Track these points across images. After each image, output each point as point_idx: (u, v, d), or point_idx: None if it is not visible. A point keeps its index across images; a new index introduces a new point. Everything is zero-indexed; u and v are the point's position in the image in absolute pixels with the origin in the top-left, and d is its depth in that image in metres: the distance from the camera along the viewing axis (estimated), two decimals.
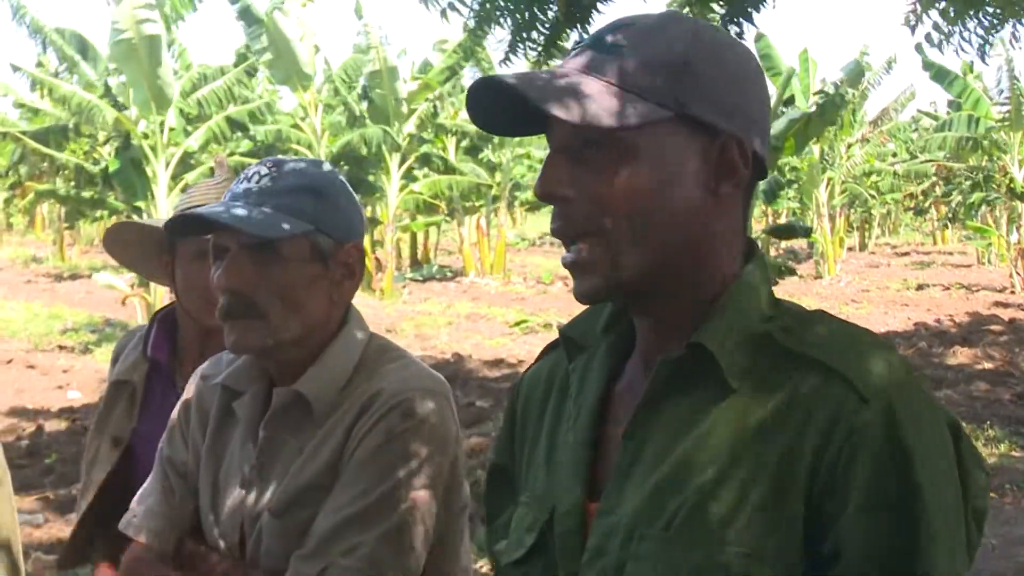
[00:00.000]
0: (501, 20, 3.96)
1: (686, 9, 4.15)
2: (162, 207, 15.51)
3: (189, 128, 16.29)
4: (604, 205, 1.14)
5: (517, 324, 15.61)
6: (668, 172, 1.14)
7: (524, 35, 3.98)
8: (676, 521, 1.10)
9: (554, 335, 1.38)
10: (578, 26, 4.05)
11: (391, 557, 1.62)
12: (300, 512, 1.66)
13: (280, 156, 1.80)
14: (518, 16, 3.95)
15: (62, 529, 6.43)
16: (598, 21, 4.10)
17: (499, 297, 19.79)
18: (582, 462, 1.23)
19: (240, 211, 1.65)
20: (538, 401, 1.36)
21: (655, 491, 1.13)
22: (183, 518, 1.82)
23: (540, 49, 4.05)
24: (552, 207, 1.18)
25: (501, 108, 1.20)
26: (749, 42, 4.16)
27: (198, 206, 2.36)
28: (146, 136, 15.63)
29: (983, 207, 21.90)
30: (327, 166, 1.79)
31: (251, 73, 16.96)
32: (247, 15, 16.47)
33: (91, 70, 16.42)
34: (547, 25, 4.02)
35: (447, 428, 1.71)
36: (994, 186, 20.46)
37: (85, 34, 16.63)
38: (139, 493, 1.90)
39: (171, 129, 15.77)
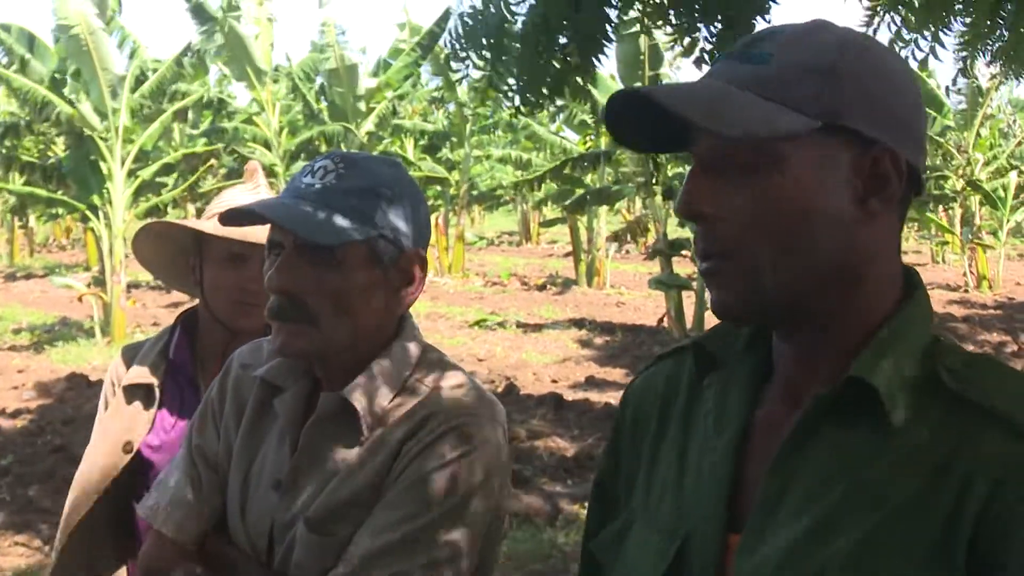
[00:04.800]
0: (510, 73, 4.01)
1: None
2: (119, 203, 15.34)
3: (140, 123, 16.08)
4: (749, 221, 1.07)
5: (476, 323, 15.56)
6: (816, 186, 1.06)
7: (533, 86, 4.03)
8: (829, 571, 1.03)
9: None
10: (582, 77, 4.13)
11: None
12: (338, 527, 1.58)
13: (349, 151, 1.70)
14: (526, 72, 3.99)
15: (19, 531, 6.35)
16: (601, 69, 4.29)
17: (458, 296, 19.77)
18: (724, 493, 1.15)
19: (300, 209, 1.57)
20: (653, 414, 1.29)
21: (807, 535, 1.05)
22: (210, 512, 1.72)
23: (549, 95, 4.11)
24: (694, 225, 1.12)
25: (640, 121, 1.13)
26: None
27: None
28: (99, 131, 15.43)
29: (939, 207, 22.13)
30: (397, 166, 1.69)
31: (201, 66, 16.71)
32: (200, 12, 16.29)
33: (42, 66, 16.20)
34: (554, 74, 4.05)
35: (500, 456, 1.63)
36: (946, 185, 20.68)
37: (33, 30, 16.36)
38: (160, 479, 1.79)
39: (126, 126, 15.59)
